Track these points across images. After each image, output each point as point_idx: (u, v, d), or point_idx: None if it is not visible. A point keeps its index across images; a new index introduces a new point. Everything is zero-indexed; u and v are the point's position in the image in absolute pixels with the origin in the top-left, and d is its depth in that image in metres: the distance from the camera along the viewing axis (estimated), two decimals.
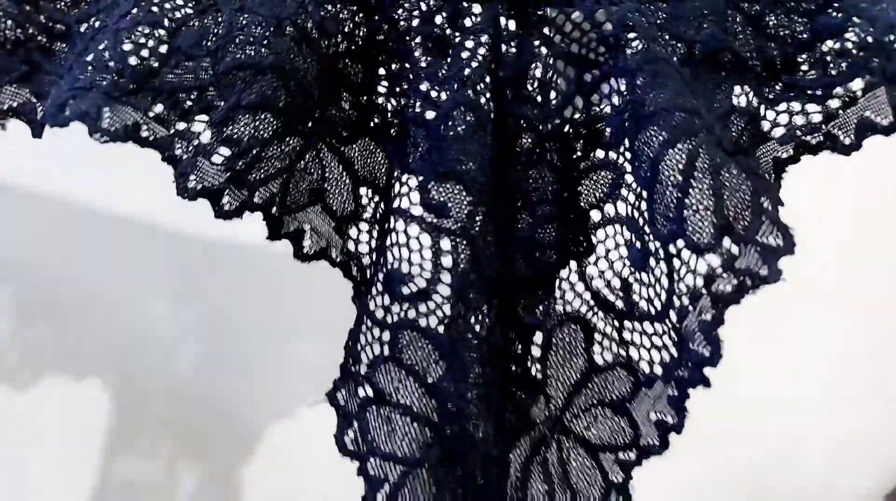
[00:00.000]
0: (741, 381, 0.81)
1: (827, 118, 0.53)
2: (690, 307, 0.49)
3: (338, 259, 0.58)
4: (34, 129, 0.53)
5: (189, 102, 0.49)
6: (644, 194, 0.50)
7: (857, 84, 0.52)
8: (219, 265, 0.81)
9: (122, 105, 0.47)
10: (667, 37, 0.52)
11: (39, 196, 0.82)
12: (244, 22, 0.49)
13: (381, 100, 0.55)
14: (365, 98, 0.55)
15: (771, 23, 0.53)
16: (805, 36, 0.52)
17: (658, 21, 0.52)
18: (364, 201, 0.57)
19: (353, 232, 0.57)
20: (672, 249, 0.49)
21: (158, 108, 0.48)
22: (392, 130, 0.54)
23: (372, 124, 0.55)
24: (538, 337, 0.55)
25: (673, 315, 0.50)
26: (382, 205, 0.56)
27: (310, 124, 0.53)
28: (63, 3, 0.52)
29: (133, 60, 0.48)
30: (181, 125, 0.49)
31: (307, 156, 0.55)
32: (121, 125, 0.47)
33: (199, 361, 0.87)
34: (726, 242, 0.48)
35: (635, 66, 0.49)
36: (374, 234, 0.57)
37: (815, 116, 0.54)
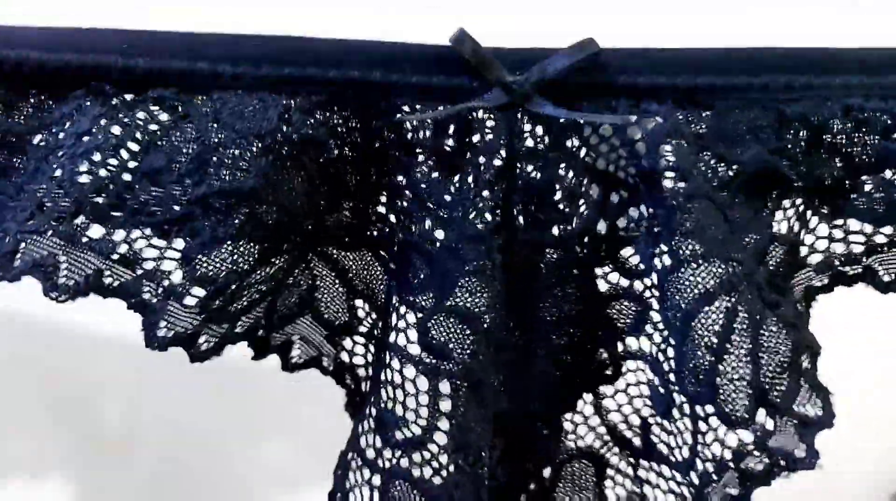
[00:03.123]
0: None
1: (869, 251, 0.48)
2: (714, 476, 0.44)
3: (329, 368, 0.53)
4: None
5: (157, 238, 0.43)
6: (672, 341, 0.45)
7: None
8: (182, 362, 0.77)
9: (80, 251, 0.41)
10: (707, 156, 0.45)
11: None
12: (219, 140, 0.42)
13: (381, 209, 0.48)
14: (363, 207, 0.48)
15: (835, 136, 0.45)
16: (873, 157, 0.45)
17: (699, 134, 0.45)
18: (360, 313, 0.52)
19: (347, 343, 0.52)
20: (699, 410, 0.45)
21: (122, 248, 0.42)
22: (392, 248, 0.48)
23: (370, 234, 0.49)
24: (547, 472, 0.51)
25: (694, 476, 0.46)
26: (380, 326, 0.50)
27: (299, 238, 0.47)
28: (20, 115, 0.44)
29: (91, 191, 0.41)
30: (149, 265, 0.43)
31: (296, 271, 0.49)
32: (81, 277, 0.41)
33: (160, 463, 0.84)
34: (760, 414, 0.43)
35: (672, 202, 0.43)
36: (371, 350, 0.52)
37: (857, 247, 0.48)
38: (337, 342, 0.52)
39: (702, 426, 0.44)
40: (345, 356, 0.53)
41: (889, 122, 0.45)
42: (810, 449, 0.42)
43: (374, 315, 0.51)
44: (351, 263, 0.50)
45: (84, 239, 0.41)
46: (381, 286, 0.50)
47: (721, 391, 0.42)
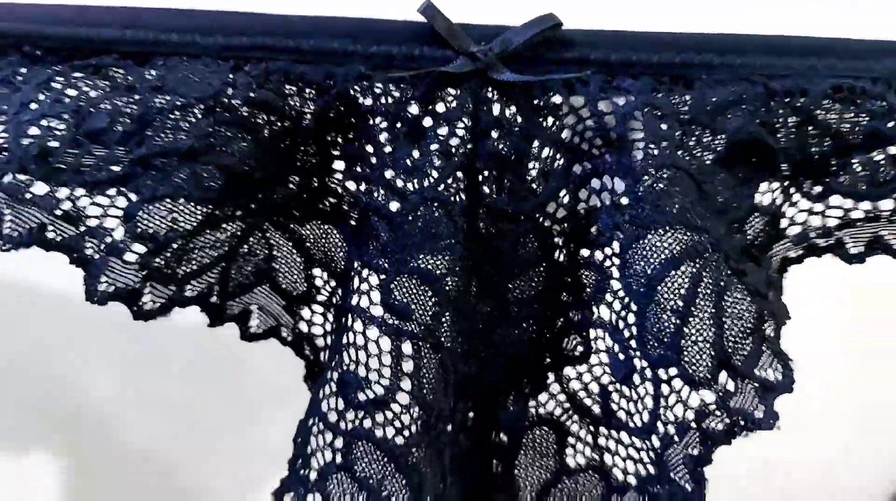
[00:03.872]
0: None
1: (843, 225, 0.48)
2: (676, 438, 0.45)
3: (288, 338, 0.52)
4: None
5: (100, 196, 0.41)
6: (634, 307, 0.45)
7: (887, 203, 0.47)
8: (173, 335, 0.75)
9: (24, 206, 0.40)
10: (692, 127, 0.44)
11: None
12: (162, 104, 0.41)
13: (337, 178, 0.47)
14: (316, 180, 0.47)
15: (827, 114, 0.45)
16: (861, 136, 0.45)
17: (678, 107, 0.44)
18: (318, 282, 0.50)
19: (305, 313, 0.51)
20: (662, 374, 0.44)
21: (66, 205, 0.41)
22: (351, 215, 0.47)
23: (324, 206, 0.48)
24: (509, 438, 0.51)
25: (655, 440, 0.46)
26: (340, 293, 0.49)
27: (252, 206, 0.46)
28: None
29: (36, 153, 0.40)
30: (92, 222, 0.41)
31: (251, 239, 0.48)
32: (25, 230, 0.40)
33: (153, 438, 0.83)
34: (722, 376, 0.43)
35: (641, 169, 0.42)
36: (330, 319, 0.51)
37: (832, 221, 0.48)
38: (295, 311, 0.51)
39: (664, 389, 0.44)
40: (303, 326, 0.51)
41: (881, 104, 0.45)
42: (769, 411, 0.42)
43: (332, 283, 0.50)
44: (308, 232, 0.49)
45: (28, 195, 0.40)
46: (341, 254, 0.49)
47: (685, 352, 0.43)
